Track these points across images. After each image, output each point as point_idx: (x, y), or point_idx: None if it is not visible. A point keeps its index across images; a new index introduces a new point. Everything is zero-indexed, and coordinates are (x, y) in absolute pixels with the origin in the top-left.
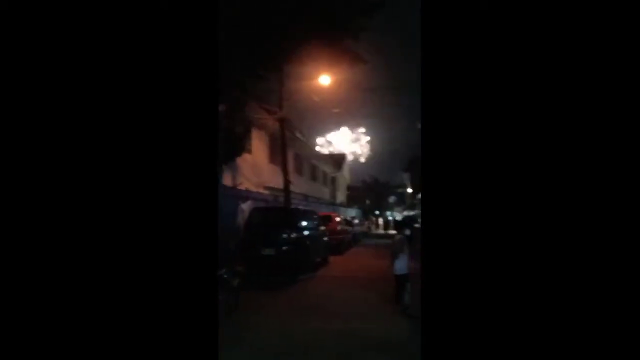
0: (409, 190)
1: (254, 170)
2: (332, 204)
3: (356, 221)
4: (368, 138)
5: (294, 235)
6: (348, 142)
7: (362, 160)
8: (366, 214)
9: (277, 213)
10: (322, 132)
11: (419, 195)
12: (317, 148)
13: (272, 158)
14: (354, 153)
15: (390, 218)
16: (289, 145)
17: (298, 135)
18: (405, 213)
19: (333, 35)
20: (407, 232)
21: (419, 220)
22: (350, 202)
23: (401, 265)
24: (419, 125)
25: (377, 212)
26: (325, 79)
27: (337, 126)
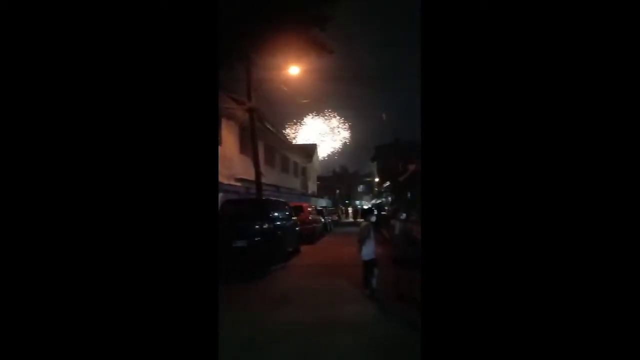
0: (377, 179)
1: (225, 162)
2: (304, 194)
3: (330, 209)
4: (347, 129)
5: (266, 226)
6: (322, 133)
7: (337, 147)
8: (336, 203)
9: (249, 205)
10: (292, 123)
11: (386, 184)
12: (288, 139)
13: (243, 149)
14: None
15: (359, 207)
16: (260, 136)
17: (268, 126)
18: (373, 201)
19: (299, 23)
20: (373, 218)
21: (385, 207)
22: (320, 192)
23: (368, 250)
24: (384, 116)
25: (347, 202)
26: (294, 70)
27: (306, 116)
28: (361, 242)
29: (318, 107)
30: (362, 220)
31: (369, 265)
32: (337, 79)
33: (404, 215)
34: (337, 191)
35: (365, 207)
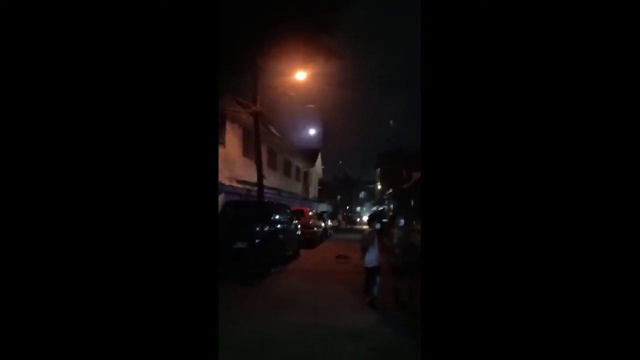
0: (379, 186)
1: (227, 163)
2: (305, 198)
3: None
4: None
5: (266, 228)
6: (325, 138)
7: (341, 153)
8: (337, 209)
9: (250, 206)
10: (296, 127)
11: (389, 191)
12: (291, 143)
13: (246, 152)
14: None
15: (353, 213)
16: (263, 140)
17: (272, 129)
18: (374, 208)
19: (307, 28)
20: (378, 225)
21: (387, 215)
22: (322, 197)
23: (371, 257)
24: (391, 123)
25: (347, 207)
26: (301, 75)
27: (310, 121)
28: (364, 248)
29: (323, 112)
30: (364, 227)
31: (371, 272)
32: (344, 84)
33: (402, 222)
34: (339, 197)
35: (367, 214)
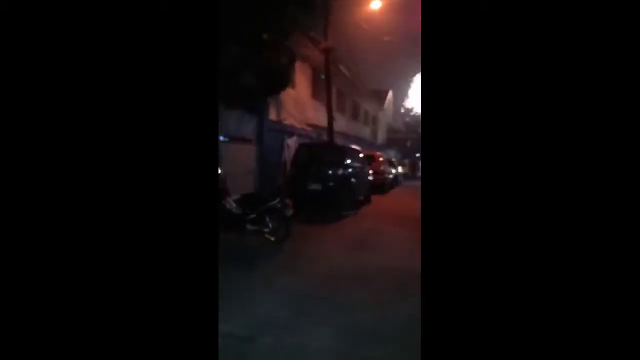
0: None
1: (297, 105)
2: (372, 144)
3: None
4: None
5: (340, 172)
6: (397, 77)
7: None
8: (406, 155)
9: (324, 149)
10: (368, 65)
11: None
12: (361, 84)
13: (315, 94)
14: None
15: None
16: (332, 81)
17: (342, 69)
18: None
19: None
20: None
21: None
22: (390, 143)
23: None
24: None
25: (417, 155)
26: (376, 4)
27: (385, 57)
28: None
29: (400, 47)
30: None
31: None
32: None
33: None
34: (408, 143)
35: None
